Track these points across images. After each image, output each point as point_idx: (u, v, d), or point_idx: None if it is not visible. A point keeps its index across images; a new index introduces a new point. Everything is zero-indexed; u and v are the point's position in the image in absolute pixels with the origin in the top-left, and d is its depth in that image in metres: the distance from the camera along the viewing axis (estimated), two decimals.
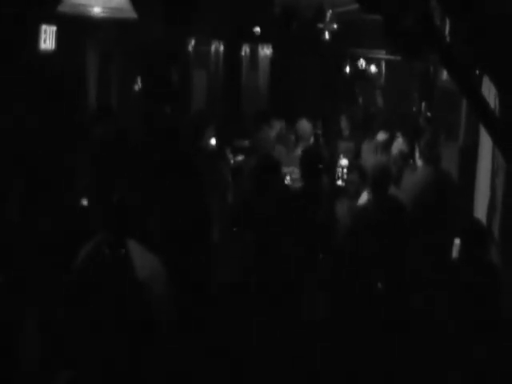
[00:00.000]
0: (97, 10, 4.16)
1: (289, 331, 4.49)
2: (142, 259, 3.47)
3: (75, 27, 5.31)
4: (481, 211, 5.37)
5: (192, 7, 8.05)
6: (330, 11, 9.10)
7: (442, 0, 3.77)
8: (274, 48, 11.94)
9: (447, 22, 5.33)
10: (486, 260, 4.47)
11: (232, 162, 6.86)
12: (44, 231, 4.60)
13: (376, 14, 4.44)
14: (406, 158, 6.47)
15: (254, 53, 11.83)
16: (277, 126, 7.68)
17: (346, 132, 8.58)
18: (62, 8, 4.17)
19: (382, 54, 11.61)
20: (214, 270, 4.89)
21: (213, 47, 10.47)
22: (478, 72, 4.87)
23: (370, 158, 7.22)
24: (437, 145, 5.90)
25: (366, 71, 12.40)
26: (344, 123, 8.64)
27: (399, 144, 7.02)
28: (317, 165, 5.29)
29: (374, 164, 5.77)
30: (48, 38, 5.47)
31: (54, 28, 5.50)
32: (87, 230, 3.99)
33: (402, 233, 5.07)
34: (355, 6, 5.37)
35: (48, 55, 5.53)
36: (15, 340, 3.44)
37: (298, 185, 5.77)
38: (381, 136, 7.53)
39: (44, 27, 5.42)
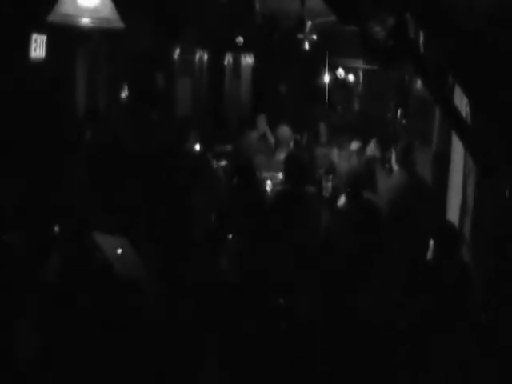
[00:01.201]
0: (85, 21, 4.24)
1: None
2: (108, 244, 3.53)
3: (65, 35, 5.39)
4: (453, 214, 5.49)
5: (180, 19, 8.16)
6: (310, 22, 9.26)
7: (416, 14, 3.98)
8: (255, 57, 12.12)
9: (421, 33, 5.50)
10: (459, 261, 4.63)
11: (215, 166, 6.99)
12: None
13: (352, 25, 4.63)
14: (376, 162, 6.62)
15: (236, 61, 12.01)
16: (262, 123, 7.78)
17: (323, 138, 8.76)
18: (52, 18, 4.26)
19: (359, 64, 11.82)
20: (198, 268, 4.97)
21: (197, 56, 10.63)
22: (450, 82, 5.06)
23: (344, 163, 7.39)
24: (412, 150, 6.00)
25: (344, 80, 12.60)
26: (322, 129, 8.82)
27: (371, 149, 7.19)
28: (301, 170, 5.42)
29: (348, 169, 5.90)
30: (38, 47, 5.52)
31: (44, 37, 5.56)
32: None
33: (377, 235, 5.20)
34: (334, 18, 5.55)
35: (38, 63, 5.59)
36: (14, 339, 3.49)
37: (279, 189, 5.89)
38: (356, 142, 7.70)
39: (34, 36, 5.47)
